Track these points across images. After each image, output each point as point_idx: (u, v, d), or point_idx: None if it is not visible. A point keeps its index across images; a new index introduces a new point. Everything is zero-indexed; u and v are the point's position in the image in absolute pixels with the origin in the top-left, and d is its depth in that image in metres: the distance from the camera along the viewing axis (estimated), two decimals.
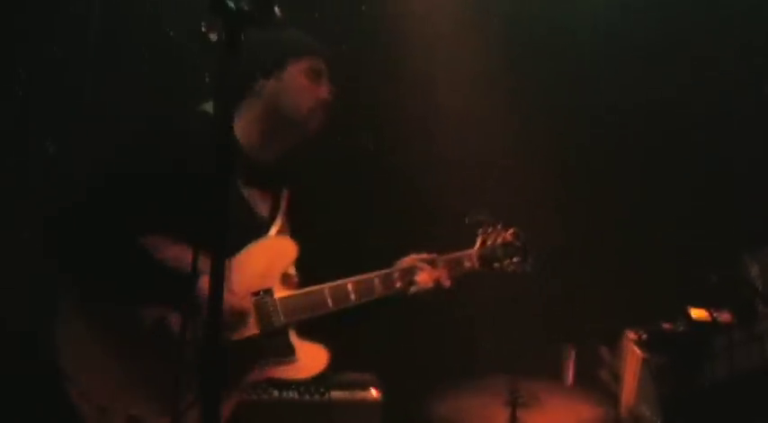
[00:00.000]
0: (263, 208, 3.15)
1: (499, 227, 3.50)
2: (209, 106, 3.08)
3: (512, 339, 4.55)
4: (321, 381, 3.88)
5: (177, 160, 2.81)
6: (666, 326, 3.61)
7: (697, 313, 3.44)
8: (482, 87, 4.80)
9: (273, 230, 3.13)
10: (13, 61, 4.05)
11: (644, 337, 3.64)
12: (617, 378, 3.96)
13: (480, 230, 3.49)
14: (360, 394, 3.92)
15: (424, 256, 3.32)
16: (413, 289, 3.23)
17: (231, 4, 2.15)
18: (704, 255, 4.51)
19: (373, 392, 3.93)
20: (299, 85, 3.07)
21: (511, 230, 3.51)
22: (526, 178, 4.81)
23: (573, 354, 4.26)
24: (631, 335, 3.76)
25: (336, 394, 3.89)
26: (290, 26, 2.97)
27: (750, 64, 4.77)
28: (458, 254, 3.41)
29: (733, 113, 4.78)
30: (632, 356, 3.78)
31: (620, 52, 4.95)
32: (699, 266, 4.16)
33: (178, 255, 2.75)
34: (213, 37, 2.18)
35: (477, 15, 4.85)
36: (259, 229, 3.08)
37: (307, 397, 3.85)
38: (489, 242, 3.47)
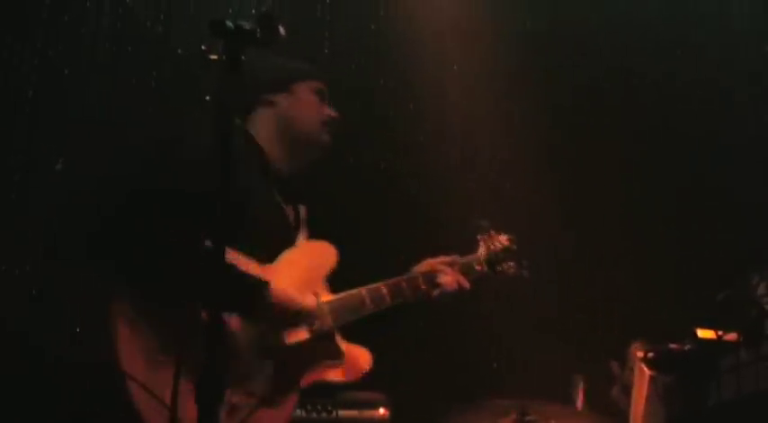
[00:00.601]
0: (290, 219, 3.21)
1: (493, 232, 3.60)
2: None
3: (521, 360, 4.54)
4: (329, 399, 3.89)
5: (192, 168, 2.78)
6: (673, 345, 3.60)
7: (703, 332, 3.42)
8: (491, 103, 4.82)
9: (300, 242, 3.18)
10: (18, 65, 4.09)
11: (651, 355, 3.63)
12: (627, 391, 3.95)
13: (479, 236, 3.59)
14: (368, 413, 3.90)
15: (444, 258, 3.39)
16: (436, 292, 3.30)
17: (230, 25, 2.17)
18: (711, 274, 4.50)
19: (381, 411, 3.91)
20: (310, 101, 3.18)
21: (506, 236, 3.61)
22: (537, 195, 4.81)
23: (581, 382, 4.26)
24: (639, 352, 3.74)
25: (344, 413, 3.87)
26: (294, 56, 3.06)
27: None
28: (469, 257, 3.50)
29: (743, 128, 4.78)
30: (641, 374, 3.75)
31: (635, 66, 4.97)
32: (705, 286, 4.15)
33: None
34: (213, 56, 2.17)
35: (486, 33, 4.89)
36: (291, 238, 3.12)
37: (314, 415, 3.84)
38: (492, 247, 3.58)
